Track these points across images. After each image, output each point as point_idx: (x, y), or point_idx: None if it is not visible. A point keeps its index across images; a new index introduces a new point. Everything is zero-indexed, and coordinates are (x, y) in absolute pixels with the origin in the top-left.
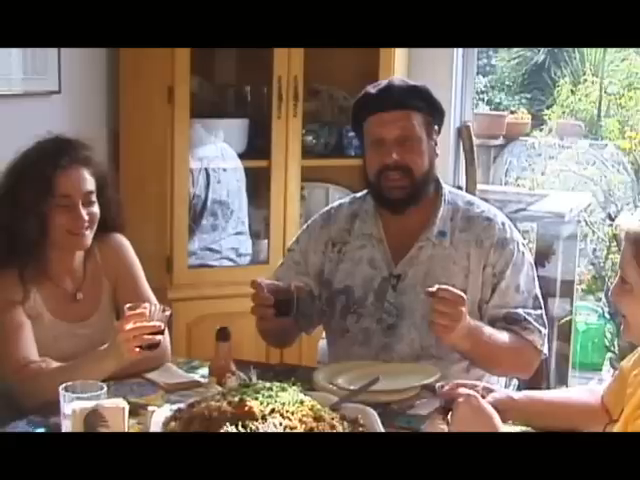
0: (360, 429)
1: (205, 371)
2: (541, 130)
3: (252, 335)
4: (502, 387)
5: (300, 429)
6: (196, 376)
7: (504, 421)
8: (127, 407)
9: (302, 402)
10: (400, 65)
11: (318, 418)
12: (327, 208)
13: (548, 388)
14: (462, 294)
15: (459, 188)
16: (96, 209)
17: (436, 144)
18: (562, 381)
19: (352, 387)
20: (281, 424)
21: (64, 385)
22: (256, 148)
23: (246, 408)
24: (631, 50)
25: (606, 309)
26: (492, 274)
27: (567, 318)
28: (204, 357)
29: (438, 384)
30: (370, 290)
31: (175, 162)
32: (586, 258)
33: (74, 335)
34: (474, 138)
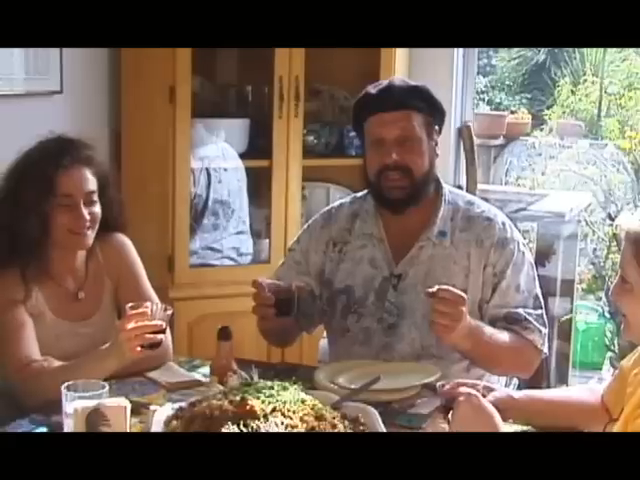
0: (361, 428)
1: (206, 370)
2: (541, 130)
3: (253, 334)
4: (502, 386)
5: (301, 428)
6: (197, 375)
7: (504, 420)
8: (129, 406)
9: (303, 401)
10: (401, 65)
11: (319, 417)
12: (328, 208)
13: (548, 387)
14: (462, 294)
15: (459, 188)
16: (98, 209)
17: (436, 144)
18: (562, 380)
19: (353, 386)
20: (282, 423)
21: (66, 384)
22: (257, 148)
23: (247, 407)
24: (631, 50)
25: (606, 308)
26: (492, 274)
27: (567, 317)
28: (205, 356)
29: (439, 383)
30: (371, 290)
31: (176, 162)
32: (586, 258)
33: (76, 334)
34: (474, 138)
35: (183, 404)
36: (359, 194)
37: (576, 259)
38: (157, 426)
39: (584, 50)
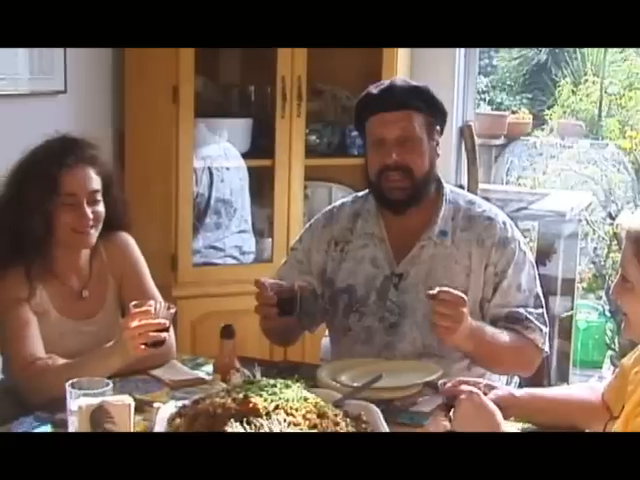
0: (363, 426)
1: (210, 368)
2: (542, 130)
3: (256, 332)
4: (504, 384)
5: (304, 425)
6: (201, 373)
7: (506, 418)
8: (133, 403)
9: (306, 399)
10: (403, 65)
11: (322, 415)
12: (329, 207)
13: (549, 385)
14: (463, 295)
15: (461, 187)
16: (101, 208)
17: (438, 144)
18: (563, 378)
19: (355, 384)
20: (285, 420)
21: (70, 382)
22: (260, 147)
23: (250, 405)
24: (631, 50)
25: (607, 307)
26: (494, 273)
27: (568, 314)
28: (209, 354)
29: (440, 381)
30: (372, 289)
31: (180, 161)
32: (587, 257)
33: (80, 332)
34: (476, 138)
35: (186, 402)
36: (360, 193)
37: (577, 258)
38: (161, 424)
39: (585, 50)
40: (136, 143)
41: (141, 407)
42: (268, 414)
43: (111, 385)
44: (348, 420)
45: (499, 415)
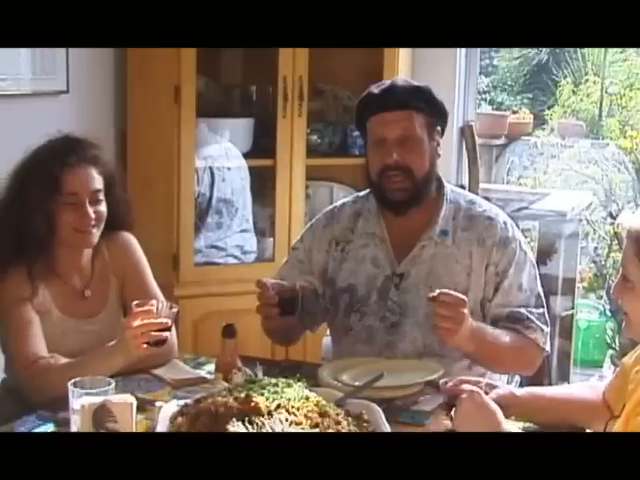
0: (364, 425)
1: (211, 367)
2: (543, 130)
3: (258, 332)
4: (504, 384)
5: (305, 424)
6: (202, 372)
7: (507, 417)
8: (135, 402)
9: (307, 398)
10: (404, 65)
11: (323, 414)
12: (331, 207)
13: (550, 384)
14: (463, 297)
15: (462, 187)
16: (103, 207)
17: (438, 145)
18: (564, 378)
19: (357, 383)
20: (287, 419)
21: (73, 381)
22: (261, 147)
23: (252, 404)
24: (632, 50)
25: (607, 306)
26: (495, 273)
27: (569, 313)
28: (210, 353)
29: (442, 380)
30: (373, 289)
31: (181, 161)
32: (587, 256)
33: (82, 331)
34: (477, 137)
35: (188, 401)
36: (362, 193)
37: (577, 258)
38: (163, 423)
39: (585, 50)
40: (138, 143)
41: (143, 406)
42: (270, 413)
43: (113, 384)
44: (349, 419)
45: (500, 414)
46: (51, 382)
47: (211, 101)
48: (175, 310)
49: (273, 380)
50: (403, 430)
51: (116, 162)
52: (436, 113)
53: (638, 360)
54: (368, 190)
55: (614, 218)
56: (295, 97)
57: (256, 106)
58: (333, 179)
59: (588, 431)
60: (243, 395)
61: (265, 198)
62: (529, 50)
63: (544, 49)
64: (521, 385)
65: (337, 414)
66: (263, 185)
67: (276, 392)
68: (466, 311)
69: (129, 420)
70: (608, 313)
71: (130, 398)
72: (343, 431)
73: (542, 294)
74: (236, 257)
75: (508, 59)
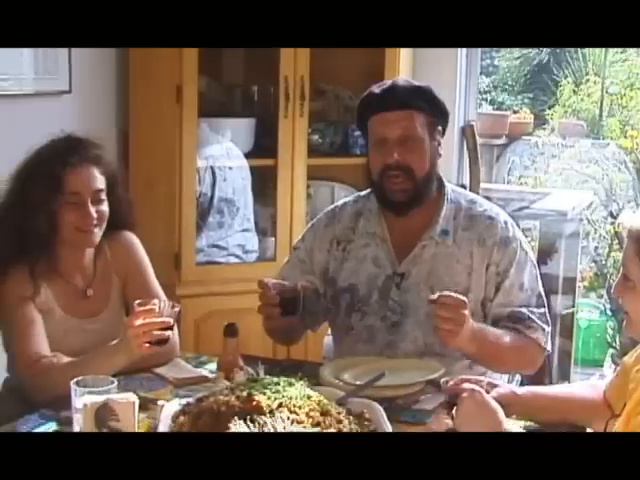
0: (366, 423)
1: (213, 366)
2: (544, 129)
3: (259, 331)
4: (505, 382)
5: (307, 423)
6: (204, 371)
7: (508, 416)
8: (137, 401)
9: (309, 397)
10: (405, 65)
11: (325, 412)
12: (332, 207)
13: (551, 384)
14: (463, 298)
15: (463, 187)
16: (105, 207)
17: (439, 144)
18: (564, 377)
19: (358, 382)
20: (288, 418)
21: (75, 379)
22: (263, 147)
23: (254, 402)
24: (632, 50)
25: (608, 306)
26: (496, 273)
27: (569, 312)
28: (212, 352)
29: (443, 379)
30: (374, 288)
31: (183, 161)
32: (588, 256)
33: (84, 331)
34: (478, 137)
35: (190, 400)
36: (363, 193)
37: (578, 257)
38: (165, 421)
39: (586, 50)
40: (140, 143)
41: (145, 405)
42: (272, 412)
43: (115, 383)
44: (351, 418)
45: (501, 413)
46: (53, 381)
47: (213, 101)
48: (177, 309)
49: (275, 379)
50: (404, 429)
51: (118, 162)
52: (437, 113)
53: (639, 359)
54: (369, 190)
55: (615, 217)
56: (296, 97)
57: (258, 106)
58: (334, 179)
59: (589, 430)
60: (245, 394)
61: (267, 198)
62: (530, 50)
63: (545, 49)
64: (522, 384)
65: (339, 413)
66: (265, 185)
67: (278, 391)
68: (467, 312)
69: (131, 419)
70: (609, 312)
71: (132, 397)
72: (344, 430)
73: (543, 293)
74: (237, 256)
75: (509, 59)
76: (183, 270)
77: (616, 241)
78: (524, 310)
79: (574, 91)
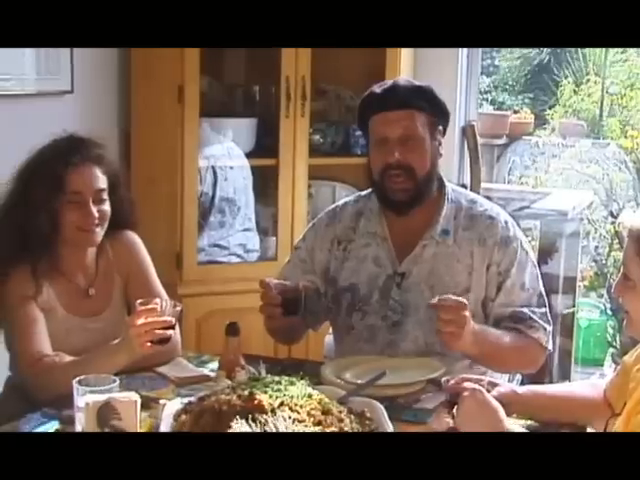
0: (367, 422)
1: (215, 365)
2: (544, 129)
3: (261, 330)
4: (506, 382)
5: (308, 422)
6: (206, 370)
7: (508, 415)
8: (139, 400)
9: (310, 395)
10: (406, 65)
11: (326, 411)
12: (333, 206)
13: (551, 383)
14: (463, 300)
15: (464, 186)
16: (107, 207)
17: (440, 144)
18: (565, 376)
19: (359, 381)
20: (290, 417)
21: (77, 378)
22: (264, 147)
23: (255, 401)
24: (632, 51)
25: (608, 305)
26: (497, 272)
27: (569, 312)
28: (214, 352)
29: (444, 378)
30: (375, 288)
31: (185, 161)
32: (588, 255)
33: (86, 330)
34: (478, 137)
35: (192, 398)
36: (363, 193)
37: (578, 257)
38: (167, 420)
39: (586, 50)
40: (142, 143)
41: (147, 404)
42: (273, 411)
43: (117, 382)
44: (352, 417)
45: (502, 412)
46: (56, 380)
47: (214, 101)
48: (179, 308)
49: (276, 378)
50: (405, 428)
51: (120, 162)
52: (438, 113)
53: (639, 358)
54: (370, 189)
55: (615, 217)
56: (298, 97)
57: (259, 106)
58: (335, 178)
59: (589, 429)
60: (246, 393)
61: (268, 197)
62: (530, 50)
63: (545, 49)
64: (522, 383)
65: (340, 412)
66: (266, 184)
67: (279, 390)
68: (467, 314)
69: (133, 418)
70: (609, 312)
71: (135, 396)
72: (346, 429)
73: (544, 293)
74: (239, 256)
75: (509, 59)
76: (185, 269)
77: (616, 241)
78: (525, 310)
79: (574, 91)
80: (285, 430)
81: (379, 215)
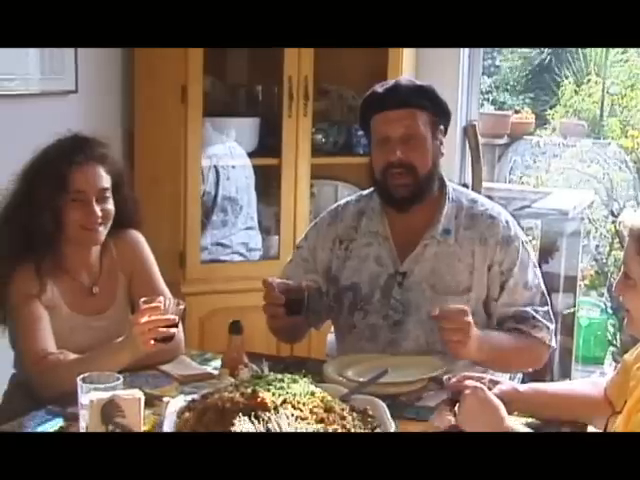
0: (369, 420)
1: (218, 363)
2: (545, 129)
3: (263, 328)
4: (507, 380)
5: (311, 420)
6: (209, 368)
7: (510, 412)
8: (143, 398)
9: (313, 393)
10: (408, 65)
11: (328, 409)
12: (334, 206)
13: (552, 381)
14: (464, 307)
15: (465, 186)
16: (110, 206)
17: (441, 143)
18: (565, 374)
19: (361, 379)
20: (292, 415)
21: (81, 376)
22: (267, 146)
23: (258, 399)
24: (633, 51)
25: (608, 304)
26: (499, 272)
27: (570, 311)
28: (217, 350)
29: (446, 376)
30: (376, 287)
31: (188, 161)
32: (589, 254)
33: (90, 328)
34: (479, 137)
35: (195, 396)
36: (365, 192)
37: (579, 256)
38: (170, 418)
39: (587, 51)
40: (145, 142)
41: (151, 401)
42: (276, 408)
43: (121, 380)
44: (354, 414)
45: (503, 410)
46: (60, 377)
47: (217, 101)
48: (182, 307)
49: (279, 376)
50: (407, 425)
51: (123, 161)
52: (439, 112)
53: (639, 357)
54: (372, 189)
55: (615, 216)
56: (300, 97)
57: (262, 106)
58: (338, 178)
59: (590, 427)
60: (249, 390)
61: (271, 197)
62: (531, 50)
63: (546, 49)
64: (523, 381)
65: (342, 409)
66: (269, 184)
67: (282, 388)
68: (470, 319)
69: (137, 415)
70: (609, 310)
71: (138, 393)
72: (348, 426)
73: (546, 292)
74: (241, 254)
75: (510, 59)
76: (188, 268)
77: (617, 240)
78: (529, 309)
79: (575, 91)
80: (288, 427)
81: (381, 214)
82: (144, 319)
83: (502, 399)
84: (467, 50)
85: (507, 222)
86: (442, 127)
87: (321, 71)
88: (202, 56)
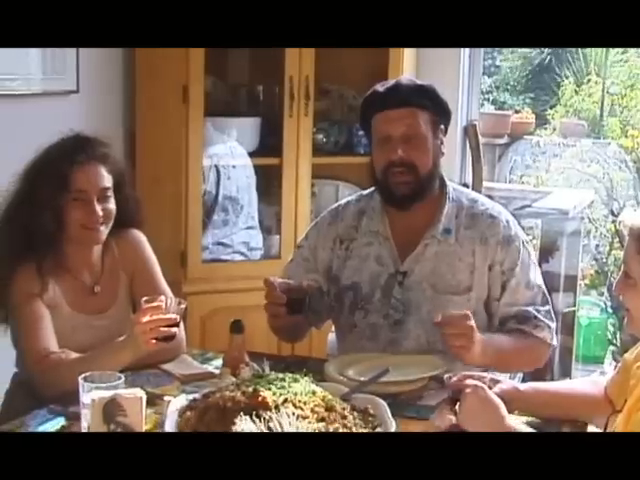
0: (370, 419)
1: (219, 362)
2: (545, 129)
3: (264, 328)
4: (508, 379)
5: (312, 419)
6: (210, 367)
7: (510, 411)
8: (144, 397)
9: (314, 392)
10: (409, 65)
11: (329, 408)
12: (335, 205)
13: (552, 380)
14: (466, 312)
15: (465, 185)
16: (112, 205)
17: (442, 143)
18: (565, 373)
19: (362, 378)
20: (294, 414)
21: (83, 375)
22: (268, 146)
23: (260, 398)
24: (633, 51)
25: (608, 303)
26: (501, 272)
27: (570, 310)
28: (218, 349)
29: (446, 375)
30: (377, 286)
31: (189, 161)
32: (589, 254)
33: (91, 327)
34: (480, 137)
35: (197, 395)
36: (366, 192)
37: (579, 255)
38: (172, 417)
39: (587, 51)
40: (146, 142)
41: (152, 400)
42: (277, 407)
43: (123, 379)
44: (355, 413)
45: (503, 408)
46: (62, 377)
47: (218, 101)
48: (183, 306)
49: (280, 375)
50: (408, 424)
51: (125, 161)
52: (440, 111)
53: (639, 356)
54: (372, 189)
55: (615, 216)
56: (301, 97)
57: (263, 105)
58: (339, 177)
59: (590, 427)
60: (251, 390)
61: (272, 196)
62: (531, 50)
63: (546, 49)
64: (524, 380)
65: (343, 408)
66: (270, 183)
67: (283, 387)
68: (473, 324)
69: (139, 414)
70: (609, 310)
71: (140, 392)
72: (349, 425)
73: (546, 291)
74: (242, 254)
75: (511, 59)
76: (189, 267)
77: (617, 239)
78: (530, 309)
79: (575, 91)
80: (289, 427)
81: (381, 214)
82: (145, 318)
83: (503, 398)
84: (467, 50)
85: (507, 222)
86: (443, 127)
87: (322, 71)
88: (203, 56)
